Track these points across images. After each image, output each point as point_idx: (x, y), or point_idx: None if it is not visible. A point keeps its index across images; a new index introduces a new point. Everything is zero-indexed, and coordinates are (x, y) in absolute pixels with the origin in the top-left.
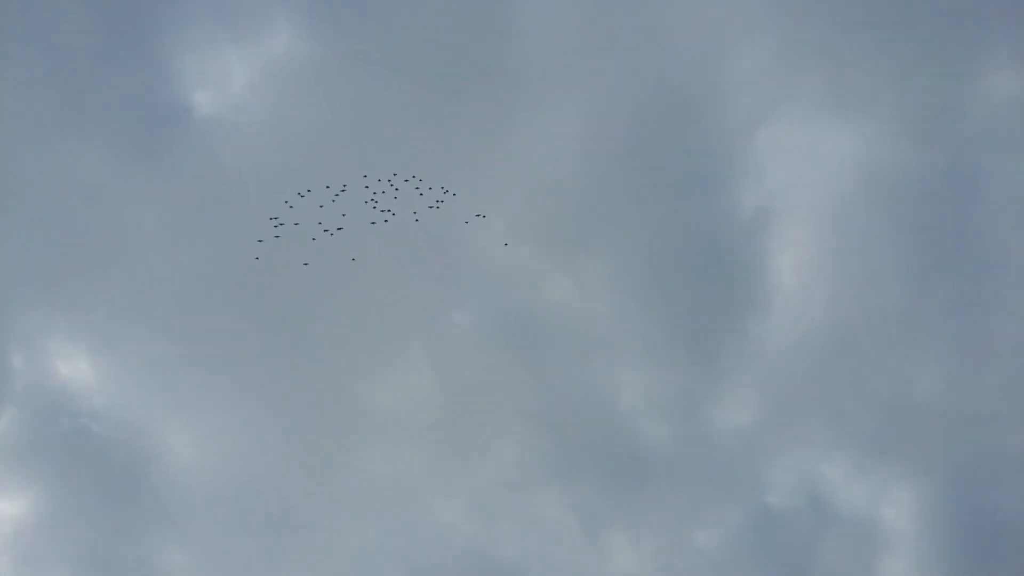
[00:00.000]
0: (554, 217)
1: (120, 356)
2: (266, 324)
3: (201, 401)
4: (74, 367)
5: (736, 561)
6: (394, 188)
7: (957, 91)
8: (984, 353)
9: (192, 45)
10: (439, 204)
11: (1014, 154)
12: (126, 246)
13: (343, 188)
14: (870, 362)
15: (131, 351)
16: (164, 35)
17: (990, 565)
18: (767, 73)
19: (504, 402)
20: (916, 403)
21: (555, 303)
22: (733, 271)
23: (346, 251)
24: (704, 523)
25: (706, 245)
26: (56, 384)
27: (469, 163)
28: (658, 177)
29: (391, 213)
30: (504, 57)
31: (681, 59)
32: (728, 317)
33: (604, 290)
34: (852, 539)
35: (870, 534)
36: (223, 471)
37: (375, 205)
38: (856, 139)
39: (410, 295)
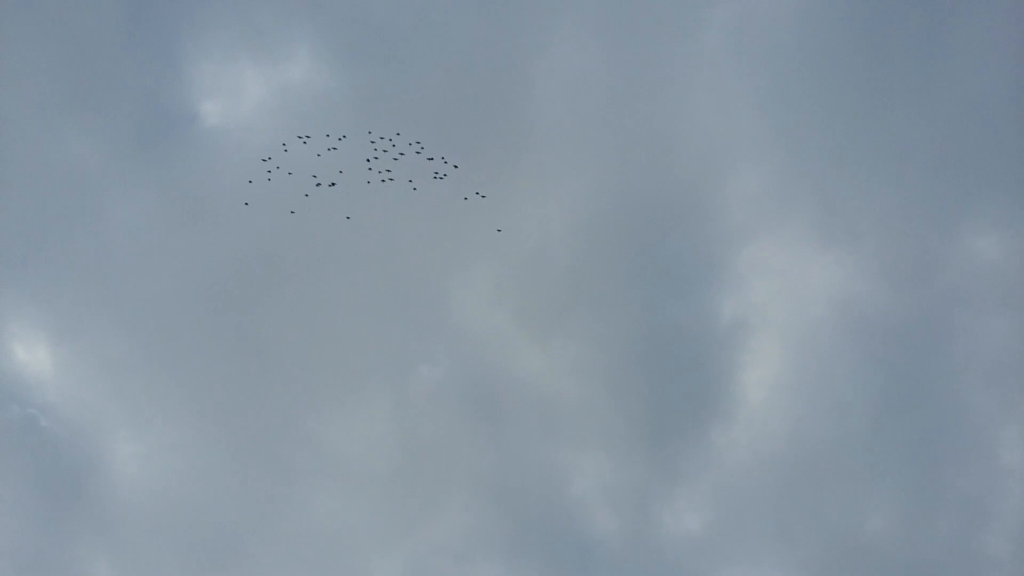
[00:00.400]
0: (538, 290)
1: (82, 353)
2: (235, 346)
3: (156, 413)
4: (33, 354)
5: None
6: (396, 149)
7: (939, 245)
8: (935, 501)
9: (210, 55)
10: (441, 176)
11: (985, 314)
12: (108, 242)
13: (342, 137)
14: (825, 490)
15: (94, 350)
16: (185, 40)
17: None
18: (763, 194)
19: (458, 466)
20: (865, 538)
21: (525, 375)
22: (702, 377)
23: (340, 210)
24: None
25: (680, 346)
26: (10, 368)
27: (467, 212)
28: (645, 272)
29: (390, 176)
30: (516, 125)
31: (686, 164)
32: (692, 421)
33: (575, 372)
34: None
35: None
36: (166, 489)
37: (371, 167)
38: (838, 272)
39: (383, 333)
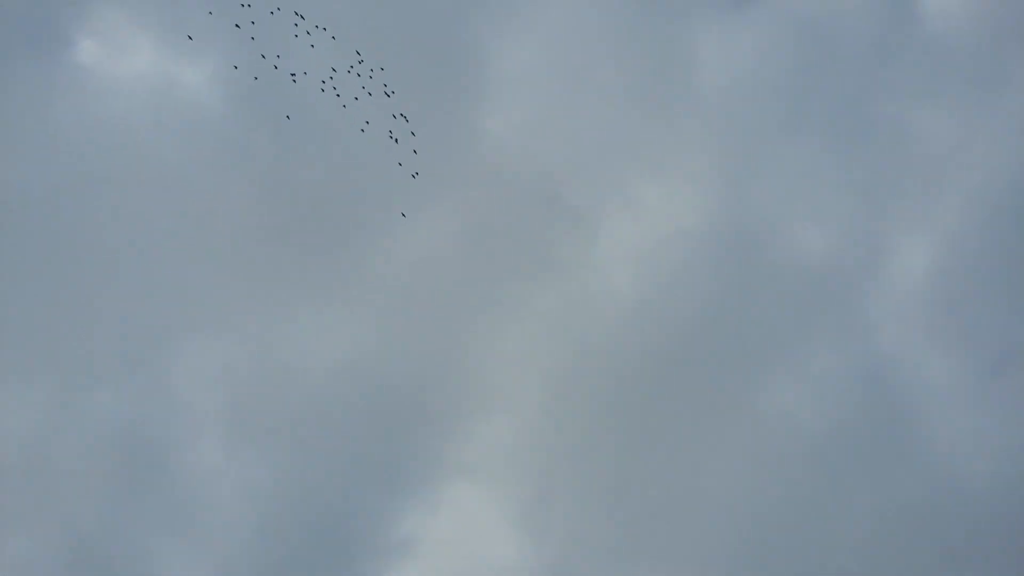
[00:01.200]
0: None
1: None
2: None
3: None
4: None
5: None
6: (370, 77)
7: None
8: None
9: (124, 6)
10: (394, 139)
11: None
12: None
13: (332, 36)
14: None
15: None
16: None
17: None
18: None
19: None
20: None
21: (197, 465)
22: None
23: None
24: None
25: (347, 538)
26: None
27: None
28: (368, 458)
29: (344, 101)
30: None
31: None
32: None
33: (253, 497)
34: None
35: None
36: None
37: (331, 77)
38: (512, 555)
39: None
